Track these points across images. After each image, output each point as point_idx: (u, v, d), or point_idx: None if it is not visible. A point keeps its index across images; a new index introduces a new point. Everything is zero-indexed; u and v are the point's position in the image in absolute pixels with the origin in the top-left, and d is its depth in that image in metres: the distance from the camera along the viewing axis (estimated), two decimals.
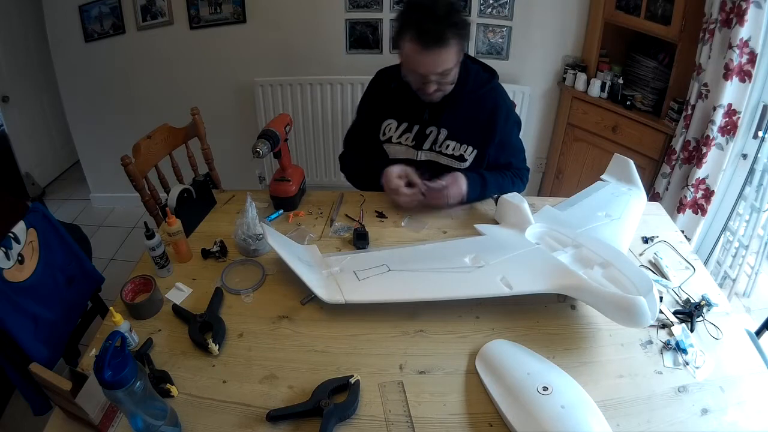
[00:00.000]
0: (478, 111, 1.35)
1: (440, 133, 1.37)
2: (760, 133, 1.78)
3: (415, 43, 1.17)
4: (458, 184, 1.29)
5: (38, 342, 1.07)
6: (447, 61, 1.19)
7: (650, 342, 0.94)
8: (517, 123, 1.47)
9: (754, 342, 0.97)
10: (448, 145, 1.38)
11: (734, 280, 2.04)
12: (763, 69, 1.68)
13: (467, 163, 1.39)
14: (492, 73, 1.40)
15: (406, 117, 1.39)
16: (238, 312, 1.02)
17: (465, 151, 1.38)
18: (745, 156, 1.84)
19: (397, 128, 1.40)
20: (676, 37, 1.86)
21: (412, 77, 1.26)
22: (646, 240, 1.23)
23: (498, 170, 1.41)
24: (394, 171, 1.30)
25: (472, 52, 2.34)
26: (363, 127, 1.49)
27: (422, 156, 1.41)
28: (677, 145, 1.91)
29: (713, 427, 0.79)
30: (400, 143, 1.41)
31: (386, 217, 1.31)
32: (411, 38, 1.17)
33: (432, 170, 1.38)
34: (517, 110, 2.29)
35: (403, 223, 1.28)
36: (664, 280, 1.09)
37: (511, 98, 2.26)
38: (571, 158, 2.46)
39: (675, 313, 1.00)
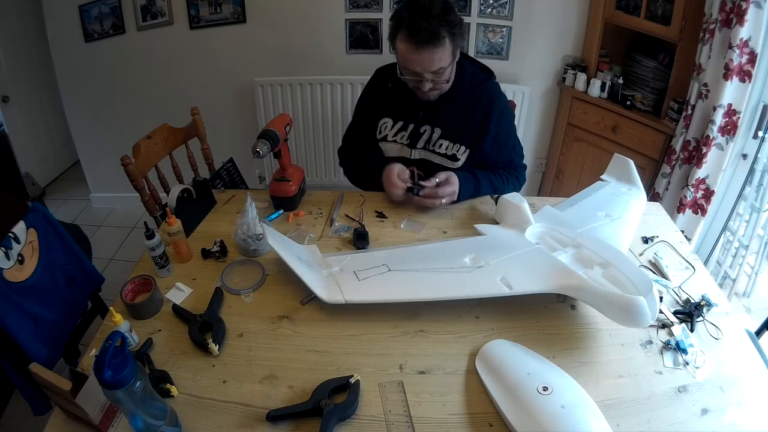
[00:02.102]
0: (473, 110, 1.35)
1: (434, 132, 1.38)
2: (760, 133, 1.78)
3: (409, 41, 1.17)
4: (451, 183, 1.30)
5: (38, 342, 1.07)
6: (441, 60, 1.19)
7: (650, 342, 0.94)
8: (513, 120, 1.47)
9: (754, 342, 0.97)
10: (441, 144, 1.38)
11: (734, 280, 2.04)
12: (763, 69, 1.68)
13: (459, 163, 1.40)
14: (489, 73, 1.40)
15: (401, 116, 1.39)
16: (238, 312, 1.02)
17: (458, 151, 1.38)
18: (745, 156, 1.84)
19: (392, 126, 1.41)
20: (676, 37, 1.86)
21: (407, 76, 1.26)
22: (646, 240, 1.23)
23: (493, 170, 1.41)
24: (396, 168, 1.32)
25: (472, 52, 2.34)
26: (360, 125, 1.50)
27: (416, 154, 1.42)
28: (677, 145, 1.91)
29: (713, 427, 0.79)
30: (395, 141, 1.42)
31: (386, 218, 1.31)
32: (405, 37, 1.18)
33: (425, 168, 1.39)
34: (517, 110, 2.30)
35: (402, 225, 1.28)
36: (664, 280, 1.09)
37: (511, 98, 2.29)
38: (571, 158, 2.46)
39: (675, 313, 1.00)
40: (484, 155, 1.40)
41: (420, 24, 1.14)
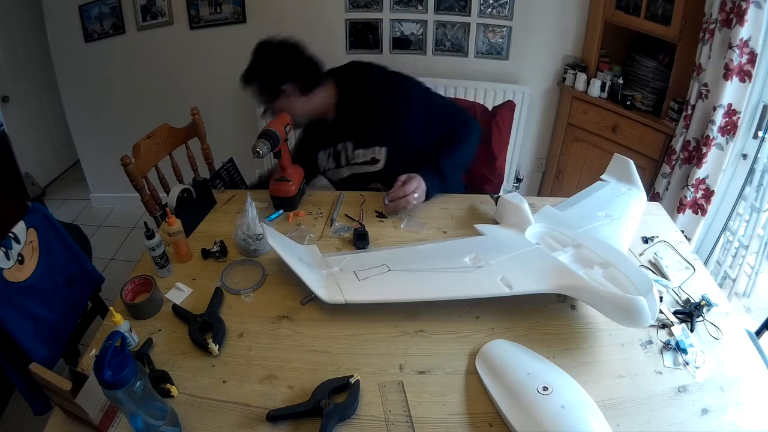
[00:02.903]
0: (371, 110, 1.38)
1: (347, 146, 1.42)
2: (760, 133, 1.78)
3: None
4: (413, 178, 1.29)
5: (38, 342, 1.07)
6: (263, 100, 1.38)
7: (650, 342, 0.94)
8: (426, 92, 1.44)
9: (754, 342, 0.97)
10: (357, 155, 1.42)
11: (734, 280, 2.04)
12: (763, 69, 1.68)
13: (381, 164, 1.41)
14: (392, 73, 1.43)
15: (323, 144, 1.47)
16: (238, 312, 1.02)
17: (375, 153, 1.40)
18: (745, 156, 1.85)
19: (326, 158, 1.48)
20: (676, 37, 1.86)
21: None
22: (646, 240, 1.23)
23: (441, 148, 1.37)
24: None
25: (472, 52, 2.33)
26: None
27: (345, 172, 1.46)
28: (677, 145, 1.91)
29: (713, 427, 0.79)
30: (330, 169, 1.48)
31: (386, 217, 1.31)
32: None
33: (358, 181, 1.44)
34: (517, 110, 2.30)
35: (402, 225, 1.28)
36: (664, 280, 1.09)
37: (511, 98, 2.29)
38: (571, 158, 2.46)
39: (675, 313, 1.00)
40: (424, 142, 1.37)
41: (243, 76, 1.40)
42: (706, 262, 2.03)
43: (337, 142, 1.43)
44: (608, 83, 2.17)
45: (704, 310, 0.99)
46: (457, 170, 1.39)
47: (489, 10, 2.25)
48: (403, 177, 1.30)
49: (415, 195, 1.27)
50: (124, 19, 2.33)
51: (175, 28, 2.35)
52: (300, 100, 1.36)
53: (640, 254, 1.19)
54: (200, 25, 2.34)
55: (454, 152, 1.38)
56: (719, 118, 1.72)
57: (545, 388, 0.78)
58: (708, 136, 1.75)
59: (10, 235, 1.07)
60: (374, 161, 1.41)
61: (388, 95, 1.38)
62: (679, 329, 0.95)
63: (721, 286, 2.05)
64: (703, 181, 1.84)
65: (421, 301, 1.00)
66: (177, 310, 1.00)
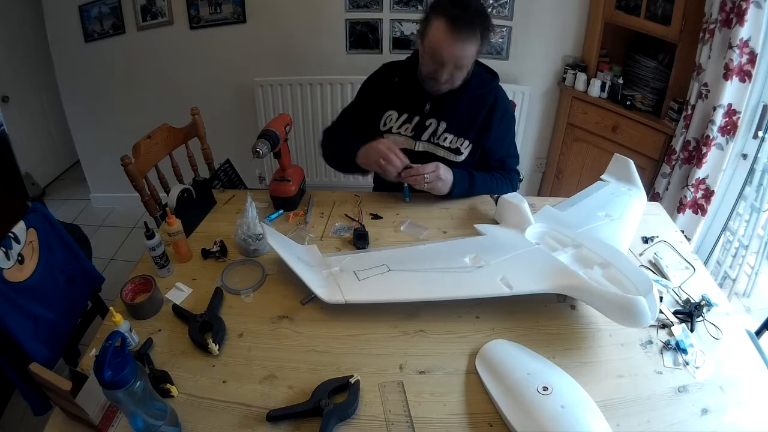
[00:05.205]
0: (477, 109, 1.37)
1: (439, 125, 1.39)
2: (760, 133, 1.78)
3: (445, 26, 1.19)
4: (441, 169, 1.30)
5: (38, 342, 1.07)
6: (468, 55, 1.24)
7: (650, 342, 0.94)
8: (513, 125, 1.50)
9: (754, 342, 0.97)
10: (445, 138, 1.39)
11: (734, 280, 2.04)
12: (763, 69, 1.68)
13: (462, 156, 1.40)
14: (493, 75, 1.43)
15: (407, 108, 1.41)
16: (238, 312, 1.02)
17: (461, 145, 1.39)
18: (745, 156, 1.85)
19: (397, 119, 1.42)
20: (676, 37, 1.86)
21: (429, 63, 1.26)
22: (646, 240, 1.23)
23: (488, 171, 1.42)
24: (384, 142, 1.32)
25: None
26: (361, 112, 1.49)
27: (420, 147, 1.42)
28: (677, 145, 1.91)
29: (713, 427, 0.79)
30: (399, 133, 1.43)
31: (381, 218, 1.31)
32: (442, 22, 1.20)
33: (428, 160, 1.37)
34: (517, 110, 2.30)
35: (402, 228, 1.28)
36: (664, 280, 1.09)
37: (511, 98, 2.28)
38: (571, 158, 2.46)
39: (675, 313, 1.00)
40: (483, 152, 1.41)
41: (460, 13, 1.19)
42: (706, 262, 2.03)
43: (425, 113, 1.39)
44: (608, 83, 2.17)
45: (704, 310, 0.99)
46: (480, 192, 1.41)
47: (489, 10, 2.25)
48: (431, 165, 1.29)
49: (427, 177, 1.28)
50: (124, 19, 2.33)
51: (175, 28, 2.35)
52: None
53: (640, 254, 1.19)
54: (200, 25, 2.34)
55: (493, 182, 1.41)
56: (719, 118, 1.72)
57: (545, 388, 0.78)
58: (708, 136, 1.75)
59: (10, 235, 1.07)
60: (458, 152, 1.40)
61: (500, 103, 1.40)
62: (679, 329, 0.95)
63: (721, 286, 2.05)
64: (703, 181, 1.84)
65: (421, 301, 1.00)
66: (177, 310, 1.00)
